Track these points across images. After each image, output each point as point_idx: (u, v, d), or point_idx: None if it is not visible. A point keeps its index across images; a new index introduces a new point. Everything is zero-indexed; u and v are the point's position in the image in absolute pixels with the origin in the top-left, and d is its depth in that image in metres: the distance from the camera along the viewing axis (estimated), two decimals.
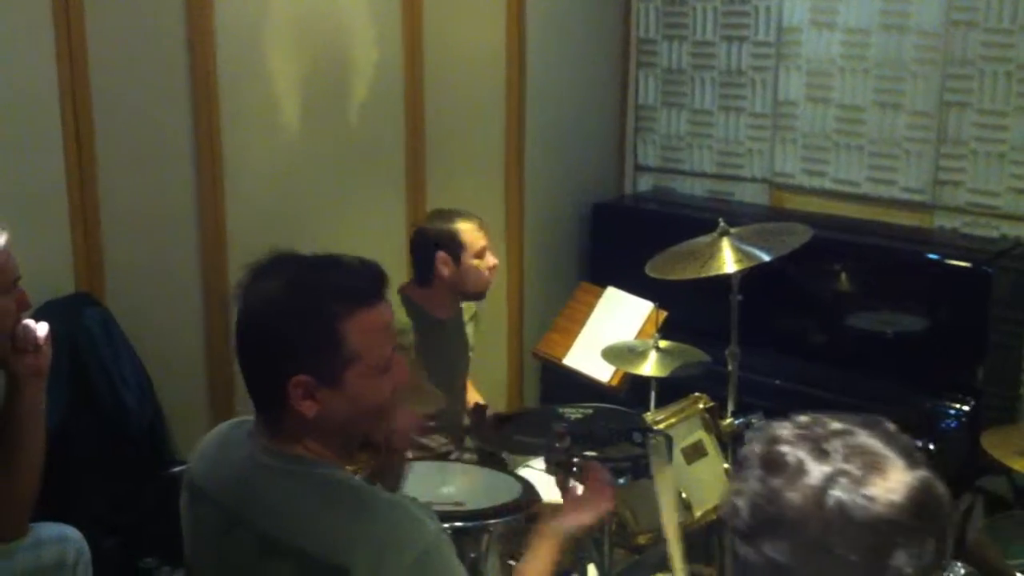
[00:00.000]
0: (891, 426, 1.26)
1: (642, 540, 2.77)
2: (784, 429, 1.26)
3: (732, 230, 3.19)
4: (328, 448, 1.62)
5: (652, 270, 3.20)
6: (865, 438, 1.22)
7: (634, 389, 3.56)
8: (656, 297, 3.70)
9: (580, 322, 3.80)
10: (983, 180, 3.95)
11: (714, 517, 2.80)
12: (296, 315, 1.57)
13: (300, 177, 3.55)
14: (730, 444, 3.03)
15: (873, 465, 1.19)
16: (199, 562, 1.73)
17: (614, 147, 4.77)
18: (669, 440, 2.21)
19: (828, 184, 4.30)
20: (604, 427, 2.20)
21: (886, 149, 4.14)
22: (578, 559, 2.61)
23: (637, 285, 3.64)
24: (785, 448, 1.22)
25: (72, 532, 2.43)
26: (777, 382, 3.79)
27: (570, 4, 4.44)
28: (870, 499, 1.16)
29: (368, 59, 3.71)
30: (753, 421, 3.00)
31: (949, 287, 3.76)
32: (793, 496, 1.18)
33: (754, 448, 1.26)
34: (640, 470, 2.20)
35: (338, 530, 1.51)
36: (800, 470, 1.19)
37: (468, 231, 3.18)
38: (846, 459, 1.19)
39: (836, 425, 1.24)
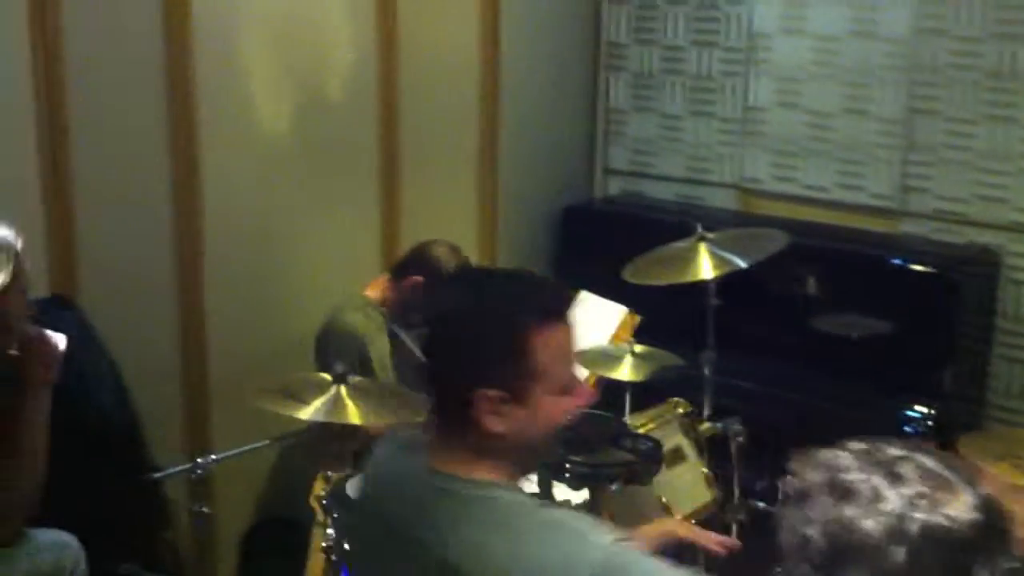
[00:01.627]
0: (937, 450, 1.27)
1: None
2: (844, 457, 1.25)
3: (709, 236, 3.22)
4: (504, 469, 1.59)
5: (630, 275, 3.21)
6: (926, 460, 1.22)
7: (607, 394, 3.56)
8: (627, 301, 3.70)
9: None
10: (950, 187, 3.99)
11: (693, 521, 2.81)
12: (487, 325, 1.56)
13: (276, 180, 3.50)
14: (707, 448, 3.06)
15: (945, 486, 1.19)
16: None
17: (584, 150, 4.76)
18: (659, 446, 2.21)
19: (797, 189, 4.32)
20: (592, 432, 2.20)
21: (855, 155, 4.17)
22: None
23: (607, 289, 3.64)
24: (854, 476, 1.21)
25: (69, 539, 2.42)
26: (749, 385, 3.80)
27: (542, 7, 4.43)
28: (952, 519, 1.16)
29: (343, 61, 3.67)
30: (732, 426, 3.04)
31: (915, 292, 3.80)
32: (872, 523, 1.18)
33: (815, 477, 1.25)
34: (631, 476, 2.20)
35: (511, 559, 1.48)
36: (877, 496, 1.19)
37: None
38: (920, 482, 1.19)
39: (896, 451, 1.24)
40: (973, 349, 3.96)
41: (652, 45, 4.59)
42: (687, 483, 2.86)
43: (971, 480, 1.21)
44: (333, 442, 2.80)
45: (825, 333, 3.85)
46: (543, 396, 1.56)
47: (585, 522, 1.52)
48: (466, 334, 1.56)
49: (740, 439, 3.04)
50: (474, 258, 4.17)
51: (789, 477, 1.29)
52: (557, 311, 1.60)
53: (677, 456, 2.87)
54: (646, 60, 4.61)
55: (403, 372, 3.24)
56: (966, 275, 3.84)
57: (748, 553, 3.09)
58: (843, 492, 1.21)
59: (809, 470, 1.26)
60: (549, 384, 1.56)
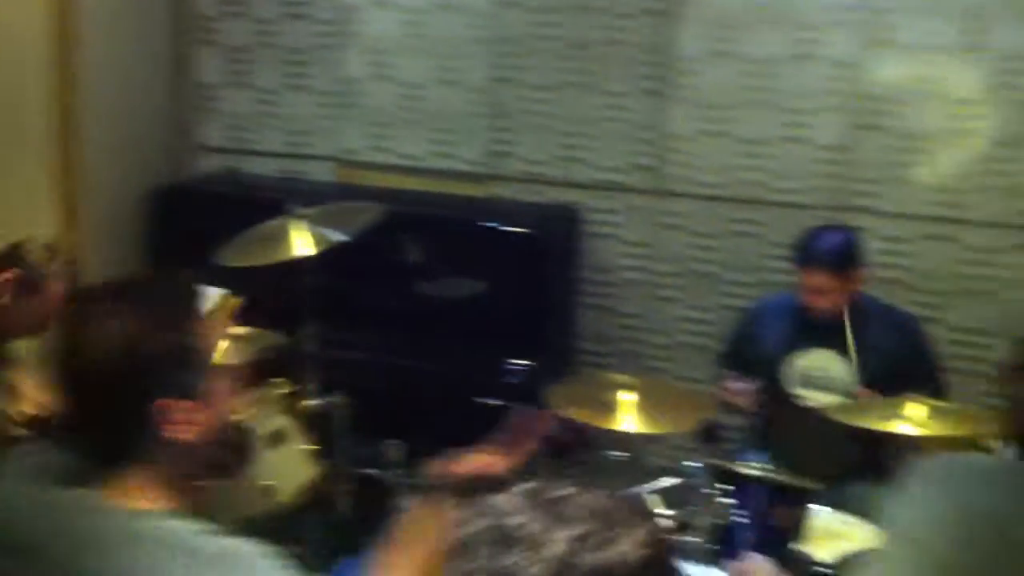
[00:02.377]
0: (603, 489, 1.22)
1: None
2: (508, 501, 1.18)
3: (304, 212, 3.21)
4: (177, 492, 1.49)
5: (225, 258, 3.14)
6: (592, 498, 1.18)
7: None
8: (228, 283, 3.63)
9: None
10: (533, 150, 4.23)
11: (301, 499, 2.83)
12: (155, 337, 1.46)
13: None
14: (312, 424, 3.07)
15: (613, 522, 1.15)
16: None
17: (176, 128, 4.61)
18: (249, 435, 2.17)
19: (393, 159, 4.42)
20: None
21: (445, 124, 4.32)
22: None
23: (207, 272, 3.55)
24: (517, 519, 1.15)
25: None
26: (358, 356, 3.86)
27: None
28: (622, 554, 1.12)
29: None
30: (335, 400, 3.08)
31: (509, 252, 4.00)
32: (537, 569, 1.11)
33: (479, 525, 1.17)
34: (223, 469, 2.15)
35: None
36: (541, 540, 1.12)
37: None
38: (586, 520, 1.14)
39: (560, 491, 1.18)
40: (564, 300, 4.24)
41: (243, 18, 4.51)
42: (291, 463, 2.85)
43: (639, 514, 1.19)
44: None
45: (429, 297, 3.97)
46: (217, 390, 1.52)
47: (258, 550, 1.46)
48: (135, 352, 1.47)
49: (344, 412, 3.07)
50: (59, 248, 3.93)
51: (453, 529, 1.20)
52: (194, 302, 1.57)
53: (279, 438, 2.85)
54: (237, 33, 4.52)
55: None
56: (552, 232, 4.09)
57: (359, 520, 3.17)
58: (507, 539, 1.14)
59: (472, 518, 1.18)
60: (219, 376, 1.53)
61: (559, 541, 1.11)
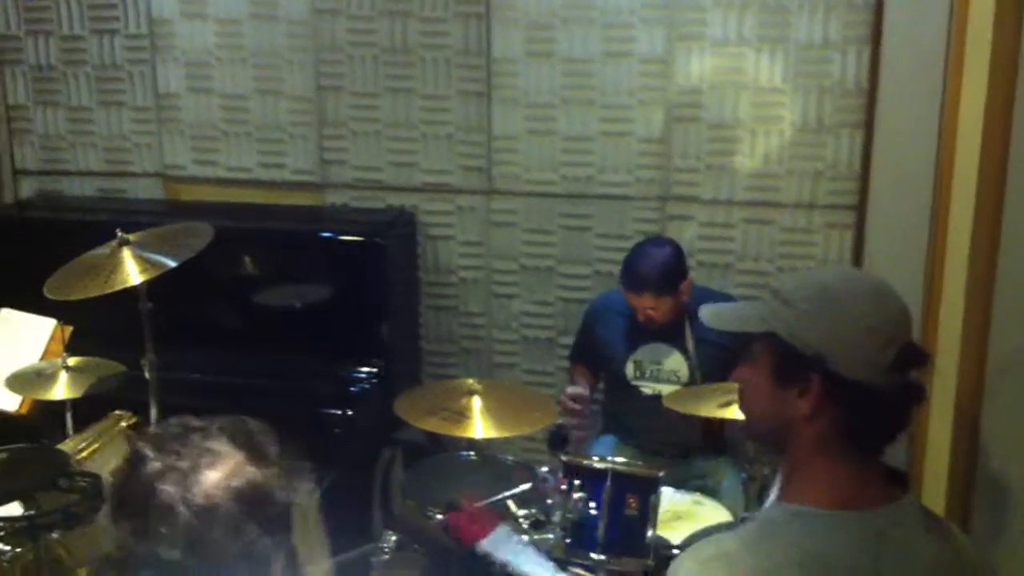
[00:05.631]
0: (252, 426, 1.46)
1: (82, 573, 2.68)
2: (158, 432, 1.43)
3: (132, 238, 3.13)
4: None
5: (51, 291, 3.04)
6: (212, 438, 1.40)
7: (49, 414, 3.38)
8: (58, 312, 3.53)
9: None
10: (364, 157, 4.24)
11: None
12: None
13: None
14: None
15: (206, 462, 1.37)
16: None
17: None
18: (98, 480, 2.14)
19: (221, 172, 4.36)
20: (25, 480, 2.08)
21: (272, 134, 4.29)
22: None
23: (35, 301, 3.44)
24: (141, 445, 1.40)
25: None
26: (199, 376, 3.80)
27: None
28: (190, 492, 1.34)
29: None
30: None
31: (347, 260, 4.00)
32: (135, 488, 1.36)
33: (133, 446, 1.43)
34: (72, 519, 2.11)
35: None
36: (143, 465, 1.37)
37: None
38: (181, 456, 1.37)
39: (193, 423, 1.43)
40: (406, 304, 4.27)
41: (48, 36, 4.36)
42: None
43: (255, 460, 1.40)
44: None
45: (268, 310, 3.95)
46: None
47: None
48: None
49: None
50: None
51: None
52: None
53: None
54: (43, 52, 4.37)
55: None
56: (389, 237, 4.10)
57: None
58: (133, 460, 1.40)
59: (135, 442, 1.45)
60: None
61: (154, 463, 1.37)
